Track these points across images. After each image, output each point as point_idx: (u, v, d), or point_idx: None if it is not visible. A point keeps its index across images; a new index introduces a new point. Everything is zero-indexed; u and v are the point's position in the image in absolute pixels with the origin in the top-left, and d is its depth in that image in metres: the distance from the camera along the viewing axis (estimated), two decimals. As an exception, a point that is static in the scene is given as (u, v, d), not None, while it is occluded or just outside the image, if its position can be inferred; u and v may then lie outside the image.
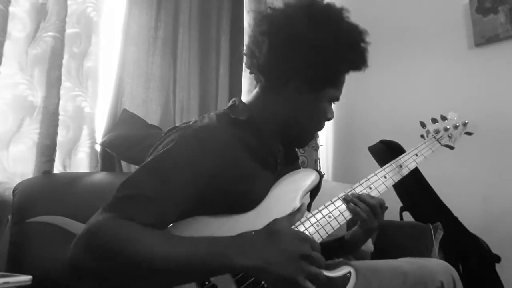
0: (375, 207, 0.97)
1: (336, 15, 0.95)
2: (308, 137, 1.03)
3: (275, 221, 0.77)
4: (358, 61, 0.97)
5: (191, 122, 0.91)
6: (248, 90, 2.11)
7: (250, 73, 1.02)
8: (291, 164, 1.06)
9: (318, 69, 0.91)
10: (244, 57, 1.02)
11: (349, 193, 0.97)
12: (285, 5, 0.98)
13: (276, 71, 0.94)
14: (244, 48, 1.02)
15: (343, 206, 0.94)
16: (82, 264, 0.67)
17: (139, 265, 0.67)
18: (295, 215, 0.82)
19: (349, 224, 1.02)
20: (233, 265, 0.69)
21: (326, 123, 1.04)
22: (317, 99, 0.96)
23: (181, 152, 0.82)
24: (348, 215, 0.94)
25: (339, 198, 0.95)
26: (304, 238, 0.75)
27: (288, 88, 0.94)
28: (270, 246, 0.71)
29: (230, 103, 1.01)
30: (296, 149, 1.11)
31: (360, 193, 0.98)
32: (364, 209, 0.95)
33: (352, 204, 0.95)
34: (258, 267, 0.69)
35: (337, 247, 1.08)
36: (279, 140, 0.99)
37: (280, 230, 0.75)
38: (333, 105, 1.02)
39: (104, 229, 0.69)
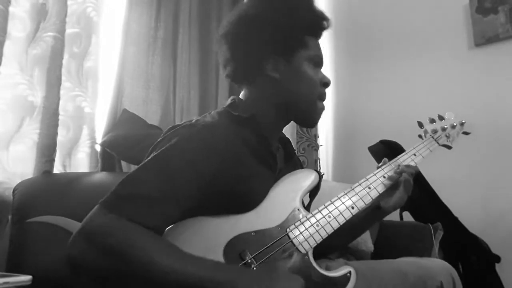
0: (413, 174, 1.04)
1: None
2: (314, 109, 1.01)
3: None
4: (309, 13, 0.99)
5: (193, 120, 0.91)
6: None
7: (232, 81, 1.05)
8: (289, 159, 1.08)
9: (279, 37, 0.95)
10: (222, 69, 1.06)
11: (396, 164, 1.05)
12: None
13: (248, 61, 0.98)
14: (221, 65, 1.06)
15: (343, 206, 0.94)
16: (87, 263, 0.67)
17: (145, 275, 0.67)
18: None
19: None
20: None
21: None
22: (296, 65, 0.97)
23: (184, 151, 0.81)
24: (348, 214, 0.94)
25: (339, 198, 0.95)
26: (302, 283, 0.78)
27: (267, 70, 0.97)
28: (273, 281, 0.74)
29: (230, 101, 1.02)
30: (293, 146, 1.13)
31: (359, 192, 0.99)
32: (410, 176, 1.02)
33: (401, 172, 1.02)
34: None
35: (375, 215, 1.08)
36: (277, 137, 0.99)
37: (283, 270, 0.79)
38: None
39: (114, 233, 0.69)
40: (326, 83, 1.01)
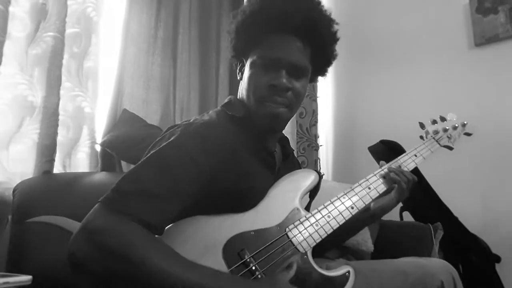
0: (410, 181, 1.04)
1: None
2: (260, 113, 0.93)
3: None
4: (274, 9, 0.93)
5: (192, 119, 0.91)
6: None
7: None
8: (286, 158, 1.07)
9: (238, 38, 0.99)
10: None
11: (390, 167, 1.05)
12: None
13: (232, 59, 1.06)
14: None
15: (342, 206, 0.94)
16: (88, 261, 0.68)
17: (143, 277, 0.68)
18: (289, 271, 0.80)
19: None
20: None
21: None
22: (247, 67, 0.97)
23: (183, 148, 0.82)
24: (348, 214, 0.94)
25: (338, 198, 0.95)
26: None
27: (237, 70, 1.03)
28: None
29: (226, 100, 1.02)
30: (290, 145, 1.13)
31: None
32: (403, 180, 1.03)
33: (394, 174, 1.02)
34: None
35: (365, 217, 1.07)
36: (276, 137, 0.99)
37: (276, 279, 0.77)
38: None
39: (114, 233, 0.69)
40: (272, 85, 0.91)
